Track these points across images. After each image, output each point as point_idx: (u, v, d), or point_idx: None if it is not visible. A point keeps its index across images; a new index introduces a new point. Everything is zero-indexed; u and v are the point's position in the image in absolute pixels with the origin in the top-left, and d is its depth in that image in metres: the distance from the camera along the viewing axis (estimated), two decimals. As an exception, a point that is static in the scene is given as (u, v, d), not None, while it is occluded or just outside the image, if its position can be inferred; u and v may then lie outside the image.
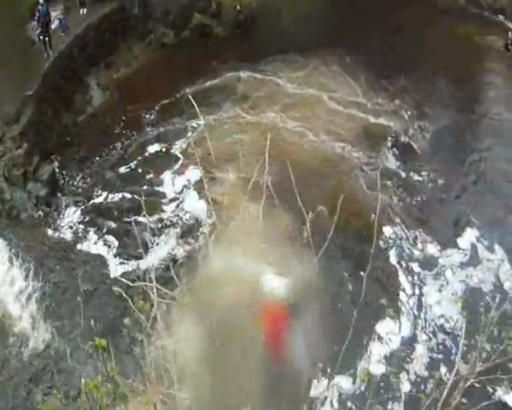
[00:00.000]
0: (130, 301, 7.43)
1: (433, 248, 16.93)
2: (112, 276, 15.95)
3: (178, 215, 17.88)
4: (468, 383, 5.32)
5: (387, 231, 17.30)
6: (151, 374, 6.24)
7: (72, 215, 18.09)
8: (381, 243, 16.88)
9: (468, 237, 17.25)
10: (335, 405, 13.04)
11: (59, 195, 18.68)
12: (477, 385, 11.66)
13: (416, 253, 16.84)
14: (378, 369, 13.16)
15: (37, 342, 14.89)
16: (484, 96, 22.79)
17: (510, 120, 21.53)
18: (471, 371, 5.31)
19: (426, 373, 13.64)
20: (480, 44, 24.97)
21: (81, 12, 23.19)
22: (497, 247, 16.91)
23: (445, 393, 5.19)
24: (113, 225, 17.67)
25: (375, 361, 13.25)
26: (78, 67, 22.11)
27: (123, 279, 14.90)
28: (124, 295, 8.77)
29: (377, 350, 13.59)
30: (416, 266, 16.48)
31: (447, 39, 24.44)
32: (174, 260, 15.71)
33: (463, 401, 5.84)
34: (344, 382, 13.25)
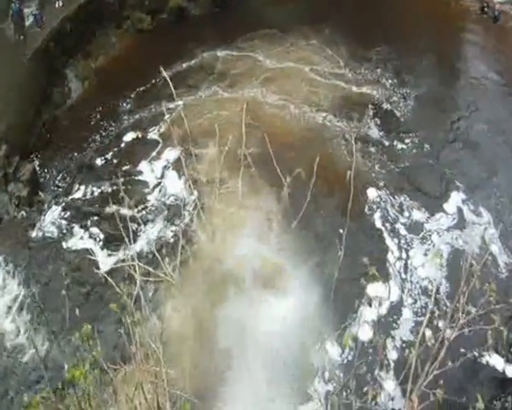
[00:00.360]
0: (114, 284, 7.40)
1: (418, 213, 17.01)
2: (101, 267, 15.79)
3: (162, 198, 17.76)
4: (452, 337, 5.33)
5: (372, 195, 17.34)
6: (137, 354, 6.23)
7: (54, 213, 17.80)
8: (366, 208, 16.92)
9: (453, 200, 17.33)
10: (323, 369, 13.15)
11: (40, 193, 18.34)
12: (463, 351, 11.77)
13: (402, 217, 16.90)
14: (364, 332, 13.22)
15: (29, 345, 14.76)
16: (462, 59, 22.89)
17: (490, 80, 21.62)
18: (454, 325, 5.31)
19: (411, 334, 13.75)
20: (457, 8, 25.03)
21: (57, 5, 22.85)
22: (481, 209, 17.03)
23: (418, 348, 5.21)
24: (96, 217, 17.42)
25: (361, 324, 13.33)
26: (55, 61, 21.78)
27: (108, 263, 14.92)
28: (109, 279, 8.76)
29: (364, 313, 13.66)
30: (402, 230, 16.55)
31: (424, 5, 24.40)
32: (161, 242, 15.65)
33: (449, 358, 5.85)
34: (330, 346, 13.36)
